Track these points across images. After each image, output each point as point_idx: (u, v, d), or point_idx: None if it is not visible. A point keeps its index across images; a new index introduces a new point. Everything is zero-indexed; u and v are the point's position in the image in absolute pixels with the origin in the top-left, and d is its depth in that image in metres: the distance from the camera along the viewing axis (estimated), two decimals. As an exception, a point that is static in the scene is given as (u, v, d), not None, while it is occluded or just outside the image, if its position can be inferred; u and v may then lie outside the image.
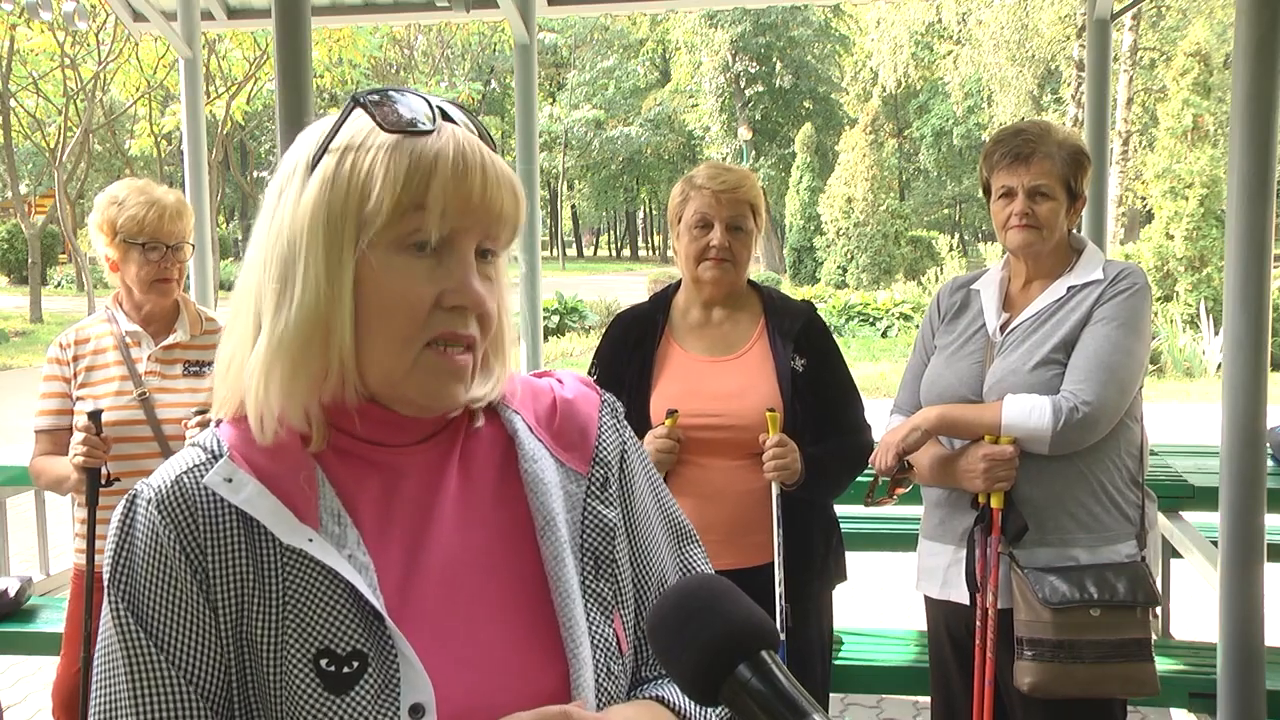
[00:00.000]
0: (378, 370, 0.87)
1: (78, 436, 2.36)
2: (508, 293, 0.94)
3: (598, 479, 0.98)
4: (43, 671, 4.14)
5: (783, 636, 2.21)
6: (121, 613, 0.84)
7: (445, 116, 0.89)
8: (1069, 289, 2.22)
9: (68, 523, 2.63)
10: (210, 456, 0.88)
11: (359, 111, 0.88)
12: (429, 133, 0.86)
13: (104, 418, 2.38)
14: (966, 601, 2.25)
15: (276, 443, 0.87)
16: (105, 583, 0.86)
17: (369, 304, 0.85)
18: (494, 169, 0.87)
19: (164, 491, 0.86)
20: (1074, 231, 2.30)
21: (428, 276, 0.86)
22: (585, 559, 0.94)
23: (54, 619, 3.41)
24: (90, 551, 2.45)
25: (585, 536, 0.95)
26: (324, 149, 0.88)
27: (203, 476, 0.87)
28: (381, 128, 0.86)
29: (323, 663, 0.82)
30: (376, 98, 0.88)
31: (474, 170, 0.86)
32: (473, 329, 0.88)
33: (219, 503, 0.86)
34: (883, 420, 2.43)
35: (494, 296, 0.90)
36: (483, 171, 0.86)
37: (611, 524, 0.96)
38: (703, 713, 0.94)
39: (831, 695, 2.66)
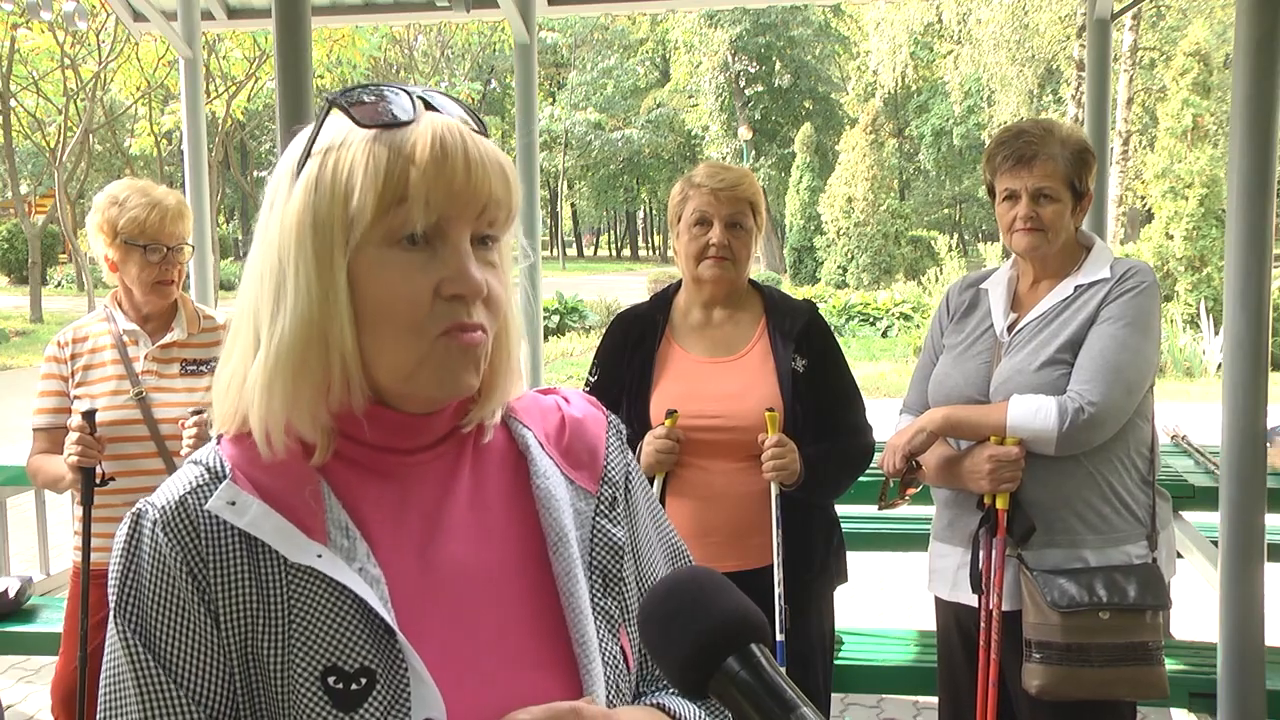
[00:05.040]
0: (388, 368, 0.85)
1: (72, 436, 2.36)
2: (512, 288, 0.92)
3: (606, 498, 0.97)
4: (43, 671, 4.14)
5: (782, 637, 2.20)
6: (129, 637, 0.83)
7: (429, 106, 0.87)
8: (1076, 288, 2.20)
9: (68, 523, 2.63)
10: (213, 477, 0.87)
11: (336, 112, 0.86)
12: (408, 123, 0.84)
13: (101, 417, 2.38)
14: (976, 604, 2.23)
15: (280, 459, 0.86)
16: (109, 597, 0.85)
17: (368, 304, 0.84)
18: (478, 152, 0.85)
19: (169, 513, 0.85)
20: (1082, 229, 2.28)
21: (422, 268, 0.84)
22: (594, 576, 0.93)
23: (54, 619, 3.41)
24: (86, 550, 2.44)
25: (594, 554, 0.94)
26: (306, 154, 0.86)
27: (206, 499, 0.85)
28: (358, 124, 0.84)
29: (330, 680, 0.81)
30: (351, 95, 0.86)
31: (454, 155, 0.83)
32: (479, 316, 0.86)
33: (222, 524, 0.84)
34: (884, 421, 2.42)
35: (499, 281, 0.88)
36: (465, 155, 0.84)
37: (620, 543, 0.96)
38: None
39: (832, 695, 2.66)
